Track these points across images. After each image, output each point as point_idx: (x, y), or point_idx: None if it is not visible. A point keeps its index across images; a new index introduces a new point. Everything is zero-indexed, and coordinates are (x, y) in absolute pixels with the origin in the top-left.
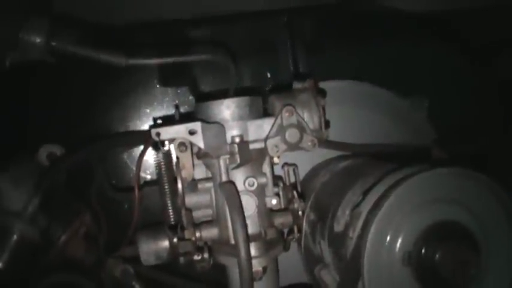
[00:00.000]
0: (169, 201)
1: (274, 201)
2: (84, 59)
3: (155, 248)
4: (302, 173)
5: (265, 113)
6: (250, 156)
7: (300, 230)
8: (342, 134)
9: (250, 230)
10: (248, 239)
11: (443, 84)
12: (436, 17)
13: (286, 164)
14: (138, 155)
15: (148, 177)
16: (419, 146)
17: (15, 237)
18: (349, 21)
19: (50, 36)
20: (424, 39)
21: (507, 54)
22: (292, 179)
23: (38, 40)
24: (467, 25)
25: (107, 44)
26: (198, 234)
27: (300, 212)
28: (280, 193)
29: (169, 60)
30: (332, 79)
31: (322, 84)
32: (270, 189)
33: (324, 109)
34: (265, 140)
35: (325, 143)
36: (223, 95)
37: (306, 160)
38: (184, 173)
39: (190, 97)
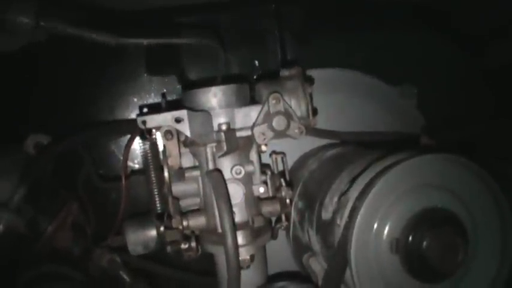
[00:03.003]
0: (155, 190)
1: (261, 190)
2: (73, 38)
3: (142, 237)
4: (291, 161)
5: (253, 101)
6: (237, 144)
7: (287, 218)
8: (331, 122)
9: (238, 218)
10: (235, 227)
11: (433, 72)
12: (425, 5)
13: (274, 152)
14: (125, 144)
15: (136, 166)
16: (408, 134)
17: (0, 227)
18: (338, 9)
19: (38, 16)
20: (414, 28)
21: (496, 43)
22: (281, 167)
23: (27, 20)
24: (457, 13)
25: (96, 26)
26: (185, 223)
27: (288, 200)
28: (268, 181)
29: (161, 41)
30: (321, 67)
31: (311, 72)
32: (258, 177)
33: (311, 96)
34: (252, 127)
35: (313, 130)
36: (210, 82)
37: (295, 148)
38: (170, 161)
39: (178, 85)
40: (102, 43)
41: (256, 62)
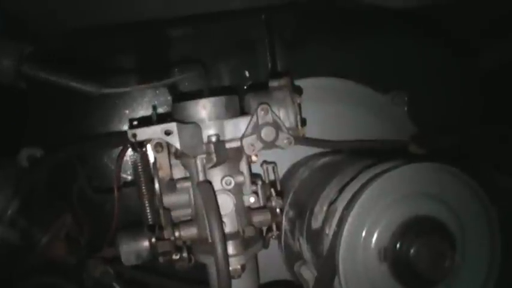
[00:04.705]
0: (146, 202)
1: (252, 200)
2: (56, 85)
3: (135, 248)
4: (283, 170)
5: (243, 112)
6: (226, 155)
7: (279, 228)
8: (322, 131)
9: (228, 228)
10: (225, 237)
11: (425, 78)
12: (416, 12)
13: (265, 162)
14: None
15: (129, 177)
16: (399, 142)
17: None
18: (328, 18)
19: (20, 61)
20: (404, 35)
21: (488, 47)
22: (272, 177)
23: (8, 64)
24: (448, 19)
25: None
26: (176, 234)
27: (278, 210)
28: (259, 191)
29: (144, 87)
30: (312, 76)
31: (302, 82)
32: (248, 187)
33: (300, 106)
34: (241, 138)
35: (303, 140)
36: (199, 95)
37: (287, 157)
38: (161, 173)
39: (169, 97)
40: (86, 93)
41: (247, 73)
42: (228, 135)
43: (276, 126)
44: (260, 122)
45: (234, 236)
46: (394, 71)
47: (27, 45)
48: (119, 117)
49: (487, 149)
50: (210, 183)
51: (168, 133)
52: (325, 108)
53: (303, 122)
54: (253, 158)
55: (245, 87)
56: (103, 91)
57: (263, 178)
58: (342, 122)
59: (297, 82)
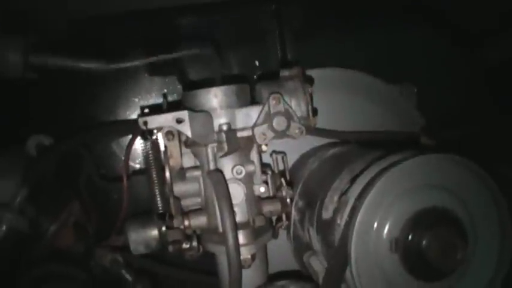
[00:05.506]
0: (157, 190)
1: (262, 189)
2: (65, 69)
3: (144, 236)
4: (292, 160)
5: (253, 101)
6: (238, 144)
7: (288, 218)
8: (331, 121)
9: (239, 218)
10: (236, 227)
11: (433, 70)
12: (425, 4)
13: (274, 151)
14: (126, 144)
15: (137, 166)
16: (408, 133)
17: (3, 228)
18: (337, 8)
19: (27, 53)
20: (413, 26)
21: (494, 41)
22: (281, 167)
23: (15, 59)
24: (456, 11)
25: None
26: (186, 223)
27: (288, 200)
28: (269, 181)
29: (151, 59)
30: (321, 67)
31: (311, 72)
32: (258, 177)
33: (311, 96)
34: (253, 128)
35: (314, 130)
36: (210, 83)
37: (296, 148)
38: (172, 162)
39: (179, 86)
40: (95, 71)
41: (257, 62)
42: (239, 124)
43: (288, 115)
44: (272, 111)
45: (244, 225)
46: (403, 62)
47: (31, 36)
48: (127, 105)
49: (496, 140)
50: (220, 172)
51: (179, 121)
52: (333, 99)
53: (314, 112)
54: (264, 147)
55: (255, 77)
56: (110, 67)
57: (272, 168)
58: (350, 113)
59: None
